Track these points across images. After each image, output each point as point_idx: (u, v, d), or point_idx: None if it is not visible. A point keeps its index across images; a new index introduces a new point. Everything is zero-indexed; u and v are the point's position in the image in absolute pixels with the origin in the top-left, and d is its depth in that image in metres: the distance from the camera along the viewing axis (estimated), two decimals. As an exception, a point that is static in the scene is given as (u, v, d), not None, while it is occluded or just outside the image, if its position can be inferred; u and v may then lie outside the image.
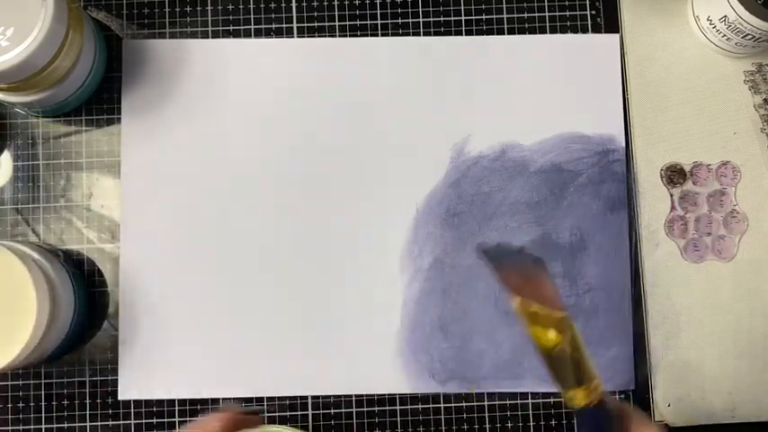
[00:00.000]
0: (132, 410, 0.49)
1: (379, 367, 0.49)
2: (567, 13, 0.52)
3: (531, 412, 0.49)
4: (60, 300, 0.45)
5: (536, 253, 0.50)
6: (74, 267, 0.49)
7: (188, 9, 0.51)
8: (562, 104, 0.51)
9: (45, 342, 0.44)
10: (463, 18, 0.52)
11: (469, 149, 0.50)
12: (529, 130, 0.51)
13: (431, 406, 0.49)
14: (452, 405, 0.49)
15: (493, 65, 0.51)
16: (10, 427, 0.48)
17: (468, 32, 0.52)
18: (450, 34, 0.52)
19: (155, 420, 0.49)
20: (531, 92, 0.51)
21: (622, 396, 0.49)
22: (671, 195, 0.51)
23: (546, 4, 0.52)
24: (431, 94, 0.51)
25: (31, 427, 0.49)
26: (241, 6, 0.52)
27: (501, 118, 0.51)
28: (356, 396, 0.49)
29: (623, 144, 0.51)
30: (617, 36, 0.52)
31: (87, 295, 0.49)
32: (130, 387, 0.49)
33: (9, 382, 0.49)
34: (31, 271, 0.43)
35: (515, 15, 0.52)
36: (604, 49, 0.52)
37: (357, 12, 0.52)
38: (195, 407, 0.49)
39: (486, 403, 0.49)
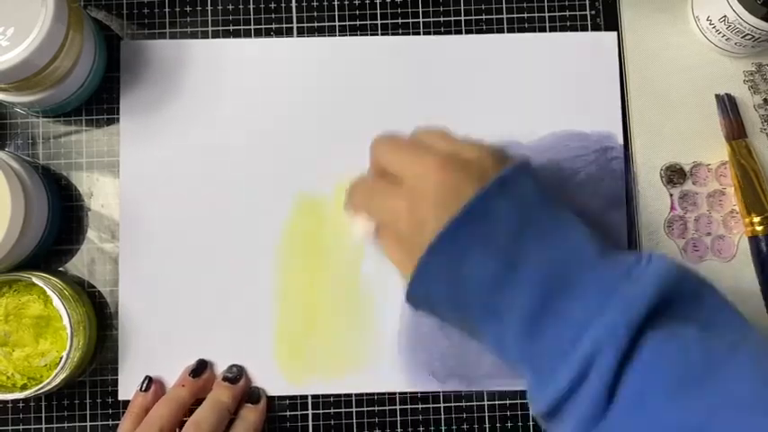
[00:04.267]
0: (132, 410, 0.49)
1: (379, 366, 0.49)
2: (567, 14, 0.52)
3: (530, 412, 0.49)
4: (33, 205, 0.46)
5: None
6: (50, 180, 0.49)
7: (188, 9, 0.51)
8: (560, 102, 0.51)
9: (18, 245, 0.45)
10: (463, 18, 0.52)
11: (469, 148, 0.50)
12: (527, 128, 0.51)
13: (431, 405, 0.49)
14: (452, 405, 0.49)
15: (491, 63, 0.51)
16: (10, 427, 0.48)
17: (468, 32, 0.52)
18: (451, 34, 0.52)
19: (155, 420, 0.49)
20: (530, 90, 0.51)
21: (622, 396, 0.49)
22: (671, 195, 0.51)
23: (546, 4, 0.52)
24: (429, 92, 0.51)
25: (31, 426, 0.49)
26: (241, 6, 0.52)
27: (499, 116, 0.51)
28: (356, 395, 0.49)
29: (621, 141, 0.51)
30: (614, 34, 0.52)
31: (62, 208, 0.50)
32: (130, 387, 0.49)
33: (9, 382, 0.49)
34: (7, 175, 0.44)
35: (515, 15, 0.52)
36: (602, 46, 0.52)
37: (357, 12, 0.52)
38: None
39: (485, 403, 0.49)
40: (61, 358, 0.45)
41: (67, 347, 0.45)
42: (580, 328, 0.36)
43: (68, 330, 0.45)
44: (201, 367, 0.49)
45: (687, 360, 0.35)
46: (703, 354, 0.35)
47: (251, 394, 0.49)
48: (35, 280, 0.45)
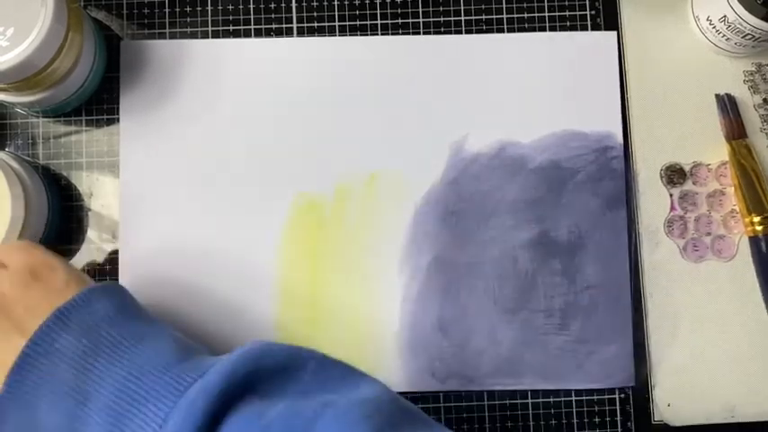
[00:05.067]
0: (132, 410, 0.49)
1: (379, 366, 0.49)
2: (567, 13, 0.52)
3: (530, 412, 0.49)
4: (33, 205, 0.46)
5: (534, 250, 0.50)
6: (50, 180, 0.49)
7: (188, 9, 0.51)
8: (560, 102, 0.51)
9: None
10: (463, 18, 0.52)
11: (468, 147, 0.50)
12: (527, 127, 0.51)
13: (431, 405, 0.49)
14: (452, 405, 0.49)
15: (491, 62, 0.51)
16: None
17: (468, 32, 0.52)
18: (451, 34, 0.52)
19: (154, 420, 0.49)
20: (529, 89, 0.51)
21: (622, 396, 0.49)
22: (671, 195, 0.51)
23: (546, 3, 0.52)
24: (429, 92, 0.51)
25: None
26: (241, 6, 0.52)
27: (499, 116, 0.51)
28: (356, 396, 0.49)
29: (621, 141, 0.51)
30: (614, 33, 0.52)
31: (62, 208, 0.49)
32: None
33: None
34: (7, 175, 0.44)
35: (515, 15, 0.52)
36: (602, 45, 0.52)
37: (357, 12, 0.52)
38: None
39: (486, 403, 0.49)
40: None
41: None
42: None
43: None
44: None
45: None
46: (287, 428, 0.33)
47: None
48: None
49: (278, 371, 0.36)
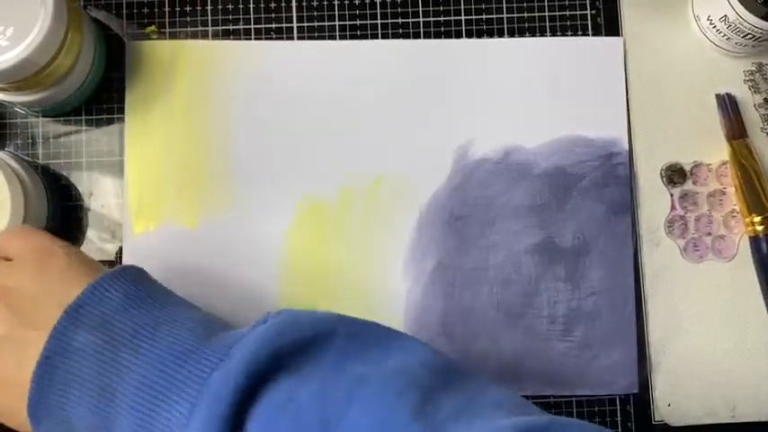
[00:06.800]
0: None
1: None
2: (567, 13, 0.52)
3: (531, 412, 0.49)
4: (32, 205, 0.46)
5: (539, 256, 0.50)
6: (49, 180, 0.49)
7: (188, 9, 0.51)
8: (566, 107, 0.51)
9: None
10: (463, 18, 0.52)
11: (473, 152, 0.50)
12: (532, 132, 0.50)
13: (432, 406, 0.49)
14: (453, 405, 0.49)
15: (496, 68, 0.51)
16: (10, 428, 0.48)
17: (468, 33, 0.52)
18: (451, 35, 0.52)
19: (155, 421, 0.49)
20: (535, 94, 0.51)
21: (623, 396, 0.50)
22: (671, 195, 0.51)
23: (546, 3, 0.52)
24: (433, 97, 0.51)
25: (32, 427, 0.48)
26: (241, 6, 0.51)
27: (504, 121, 0.51)
28: (357, 396, 0.49)
29: (627, 147, 0.51)
30: (620, 39, 0.52)
31: (62, 208, 0.49)
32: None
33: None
34: (6, 175, 0.44)
35: (515, 15, 0.52)
36: (608, 51, 0.51)
37: (357, 12, 0.52)
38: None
39: (486, 403, 0.49)
40: None
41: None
42: None
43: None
44: None
45: (301, 427, 0.32)
46: (319, 412, 0.32)
47: None
48: None
49: (305, 344, 0.34)
